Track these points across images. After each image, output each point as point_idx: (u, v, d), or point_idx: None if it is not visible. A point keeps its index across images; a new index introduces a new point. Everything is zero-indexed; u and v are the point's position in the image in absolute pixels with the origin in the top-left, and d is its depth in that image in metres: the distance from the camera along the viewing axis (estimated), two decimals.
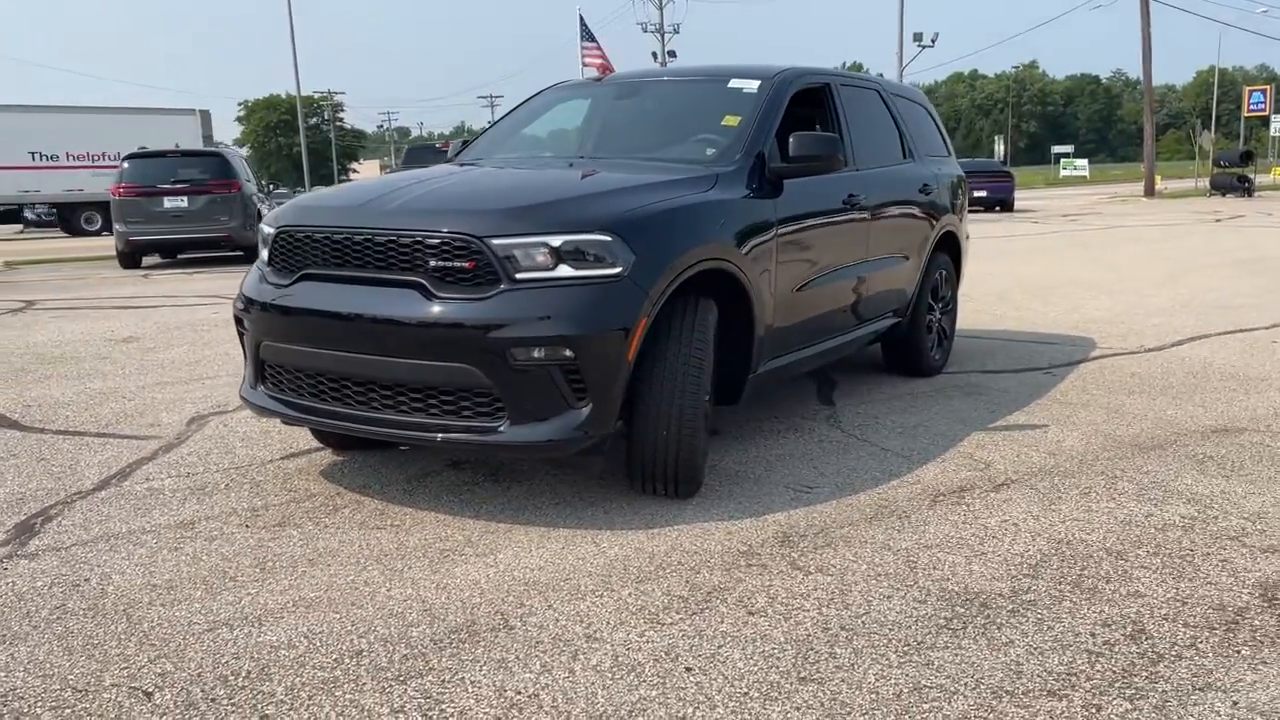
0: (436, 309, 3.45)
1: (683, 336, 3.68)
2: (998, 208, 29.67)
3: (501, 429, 3.47)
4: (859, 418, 5.21)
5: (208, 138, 32.50)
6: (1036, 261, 13.96)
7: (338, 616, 2.90)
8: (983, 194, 28.56)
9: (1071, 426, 4.96)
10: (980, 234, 20.47)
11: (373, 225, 3.64)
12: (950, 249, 6.48)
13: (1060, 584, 3.07)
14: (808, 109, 5.20)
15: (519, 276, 3.44)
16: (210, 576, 3.19)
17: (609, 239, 3.49)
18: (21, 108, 29.31)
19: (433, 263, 3.51)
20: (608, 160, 4.73)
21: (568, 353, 3.40)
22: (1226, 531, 3.50)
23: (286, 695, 2.46)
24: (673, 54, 48.44)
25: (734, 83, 4.86)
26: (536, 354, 3.41)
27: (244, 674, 2.56)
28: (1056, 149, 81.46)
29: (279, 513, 3.80)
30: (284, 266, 3.91)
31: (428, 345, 3.47)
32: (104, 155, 29.52)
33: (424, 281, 3.51)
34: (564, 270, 3.46)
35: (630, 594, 3.02)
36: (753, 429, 4.99)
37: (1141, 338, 7.54)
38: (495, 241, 3.44)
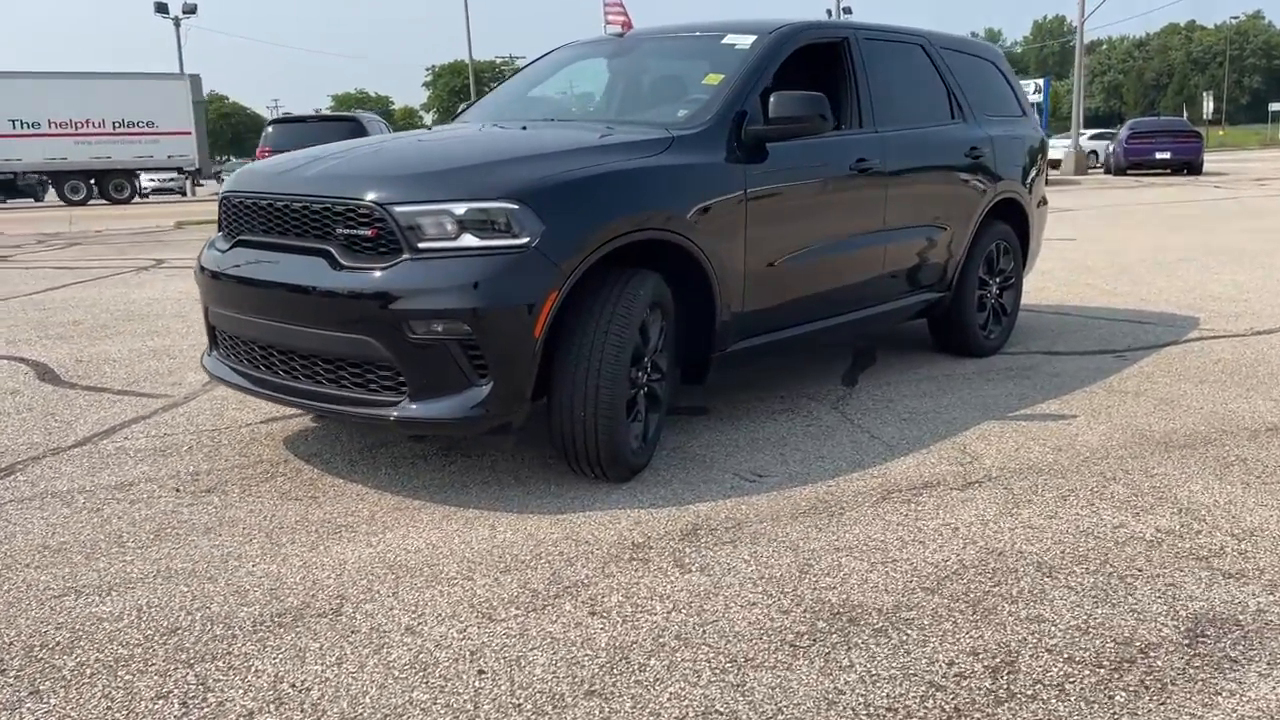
0: (340, 278, 3.36)
1: (603, 313, 3.46)
2: (1185, 170, 27.44)
3: (400, 405, 3.36)
4: (870, 401, 4.84)
5: (198, 102, 32.56)
6: (1188, 230, 12.76)
7: (185, 590, 2.86)
8: (1165, 155, 26.51)
9: (1103, 418, 4.45)
10: (1144, 200, 19.01)
11: (290, 192, 3.58)
12: (1013, 218, 5.92)
13: (957, 601, 2.72)
14: (820, 68, 4.81)
15: (421, 246, 3.30)
16: (103, 540, 3.23)
17: (515, 207, 3.30)
18: (4, 74, 29.54)
19: (339, 230, 3.42)
20: (577, 123, 4.51)
21: (465, 327, 3.25)
22: (1198, 550, 3.03)
23: (72, 671, 2.43)
24: (848, 10, 46.64)
25: (728, 38, 4.54)
26: (435, 327, 3.27)
27: (52, 645, 2.56)
28: (1275, 106, 74.27)
29: (216, 478, 3.82)
30: (226, 232, 3.91)
31: (332, 315, 3.39)
32: (88, 123, 29.94)
33: (332, 250, 3.42)
34: (468, 240, 3.30)
35: (484, 585, 2.86)
36: (746, 409, 4.71)
37: (1256, 319, 6.73)
38: (397, 209, 3.31)
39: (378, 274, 3.30)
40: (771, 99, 4.08)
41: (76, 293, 9.09)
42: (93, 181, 31.10)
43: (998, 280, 5.85)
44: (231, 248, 3.81)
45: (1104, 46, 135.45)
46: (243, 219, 3.78)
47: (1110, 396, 4.83)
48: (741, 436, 4.27)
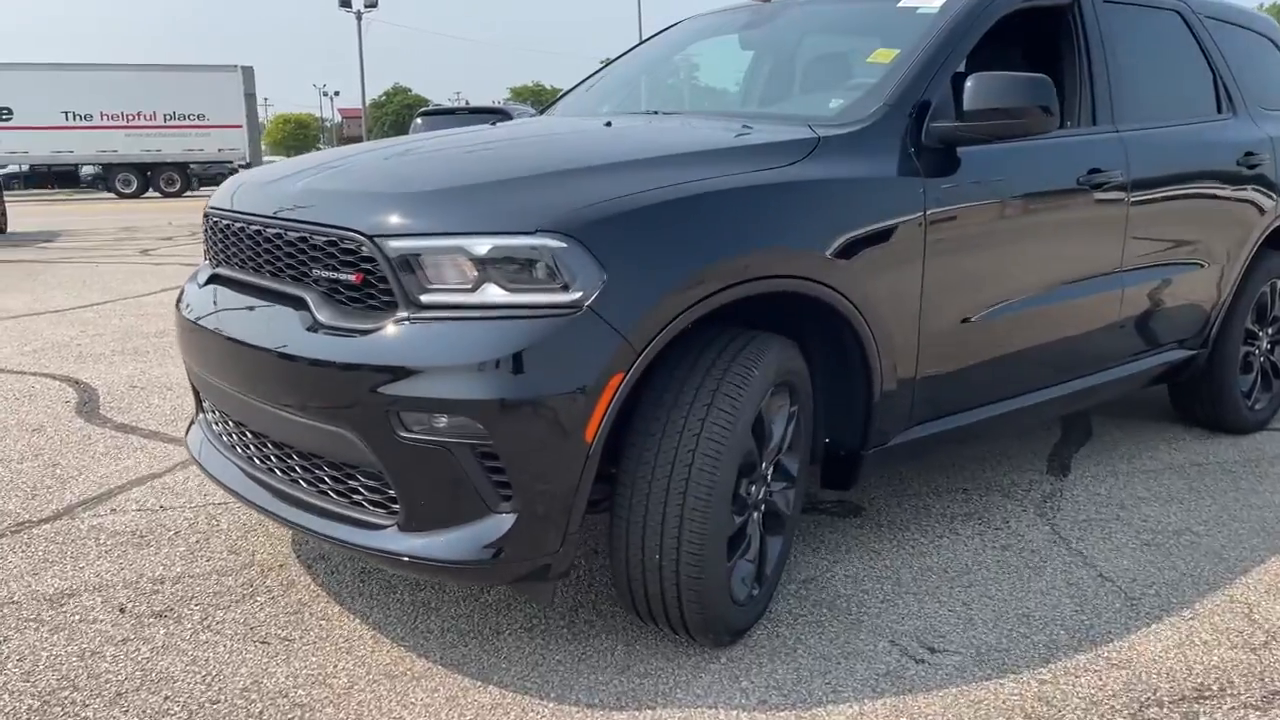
0: (311, 342, 2.30)
1: (696, 403, 2.28)
2: None
3: (387, 531, 2.27)
4: (1091, 505, 3.47)
5: (249, 95, 31.55)
6: None
7: None
8: None
9: None
10: None
11: (265, 214, 2.54)
12: None
13: None
14: (1034, 43, 3.47)
15: (424, 300, 2.19)
16: None
17: (561, 245, 2.15)
18: (55, 66, 29.21)
19: (316, 271, 2.36)
20: (687, 118, 3.31)
21: (479, 427, 2.12)
22: None
23: None
24: None
25: (907, 1, 3.25)
26: (436, 424, 2.16)
27: None
28: None
29: (179, 592, 2.84)
30: (209, 260, 2.92)
31: (301, 394, 2.33)
32: (139, 115, 29.27)
33: (308, 299, 2.36)
34: (491, 293, 2.17)
35: None
36: (915, 510, 3.42)
37: None
38: (392, 244, 2.21)
39: (360, 339, 2.22)
40: (969, 84, 2.79)
41: None
42: (147, 174, 31.11)
43: (1270, 332, 4.33)
44: (206, 283, 2.82)
45: None
46: (219, 246, 2.78)
47: None
48: (906, 564, 3.00)
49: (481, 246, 2.17)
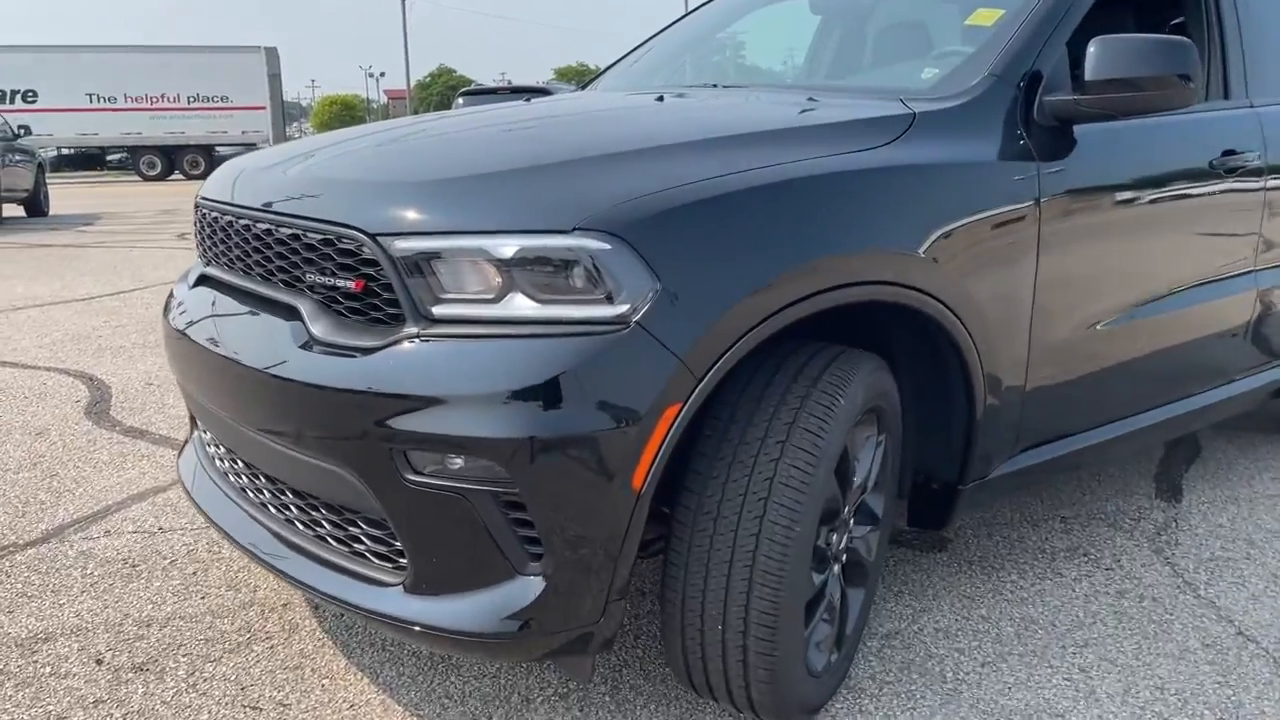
0: (305, 362, 1.90)
1: (765, 438, 1.86)
2: None
3: (392, 591, 1.88)
4: (1212, 537, 3.01)
5: (274, 76, 30.98)
6: None
7: None
8: None
9: None
10: None
11: (254, 206, 2.14)
12: None
13: None
14: (1158, 4, 2.99)
15: (437, 313, 1.79)
16: None
17: (604, 247, 1.73)
18: (78, 48, 28.84)
19: (311, 276, 1.96)
20: (751, 91, 2.87)
21: (502, 471, 1.72)
22: None
23: None
24: None
25: None
26: (451, 466, 1.76)
27: None
28: None
29: (166, 638, 2.48)
30: (201, 257, 2.54)
31: (293, 422, 1.94)
32: (163, 97, 28.72)
33: (301, 310, 1.97)
34: (518, 305, 1.76)
35: None
36: (1009, 543, 2.98)
37: None
38: (397, 243, 1.81)
39: (359, 360, 1.82)
40: (1092, 49, 2.32)
41: None
42: (172, 156, 30.69)
43: None
44: (196, 284, 2.44)
45: None
46: (209, 242, 2.40)
47: None
48: (1006, 614, 2.56)
49: (507, 248, 1.76)
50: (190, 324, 2.30)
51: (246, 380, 2.00)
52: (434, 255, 1.79)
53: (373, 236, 1.82)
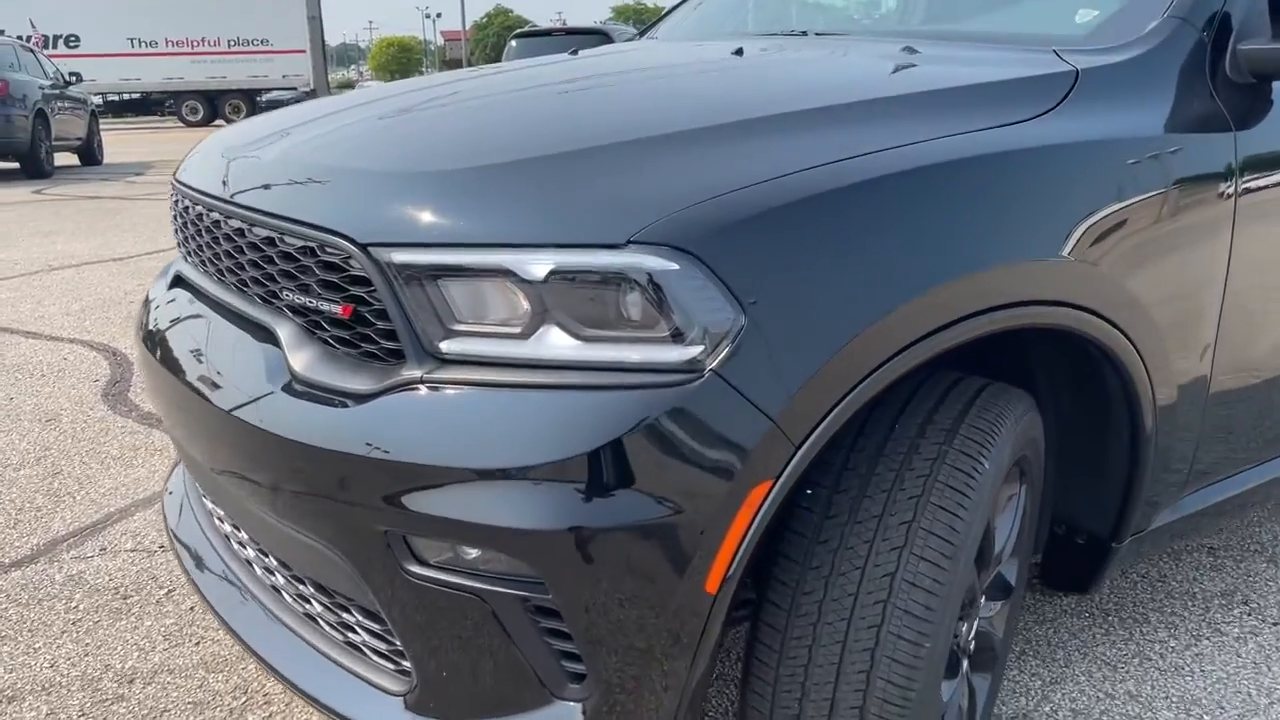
0: (276, 404, 1.47)
1: (885, 515, 1.39)
2: None
3: (391, 705, 1.46)
4: None
5: (313, 19, 30.27)
6: None
7: None
8: None
9: None
10: None
11: (226, 197, 1.70)
12: None
13: None
14: None
15: (448, 349, 1.33)
16: None
17: (670, 266, 1.25)
18: None
19: (290, 295, 1.51)
20: (847, 39, 2.33)
21: (532, 569, 1.28)
22: None
23: None
24: None
25: None
26: (465, 557, 1.33)
27: None
28: None
29: (152, 699, 2.10)
30: (179, 249, 2.10)
31: (266, 483, 1.50)
32: (203, 40, 28.16)
33: (280, 334, 1.53)
34: (553, 343, 1.30)
35: None
36: (1149, 581, 2.49)
37: None
38: (395, 256, 1.35)
39: (348, 410, 1.38)
40: None
41: None
42: (214, 101, 30.34)
43: None
44: (172, 285, 2.01)
45: None
46: (183, 235, 1.96)
47: None
48: (1160, 690, 2.08)
49: (539, 265, 1.29)
50: (156, 337, 1.87)
51: (213, 421, 1.57)
52: (443, 273, 1.33)
53: (363, 247, 1.36)
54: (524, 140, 1.55)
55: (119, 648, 2.29)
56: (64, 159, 15.23)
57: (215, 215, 1.69)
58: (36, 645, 2.31)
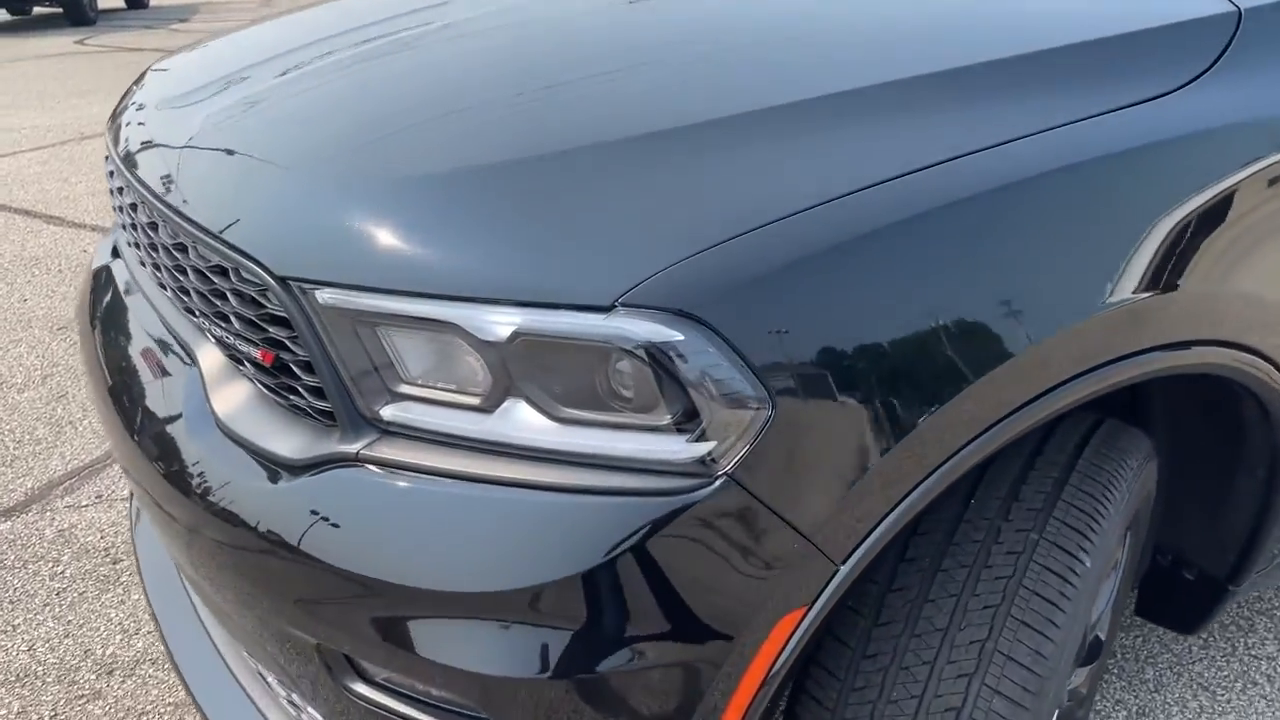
0: (194, 451, 1.18)
1: (950, 628, 1.08)
2: None
3: None
4: None
5: None
6: None
7: None
8: None
9: None
10: None
11: (134, 174, 1.37)
12: None
13: None
14: None
15: (390, 416, 1.03)
16: None
17: (673, 335, 0.91)
18: None
19: (209, 325, 1.21)
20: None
21: (491, 718, 1.00)
22: None
23: None
24: None
25: None
26: (414, 687, 1.05)
27: None
28: None
29: (128, 695, 1.92)
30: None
31: (194, 550, 1.24)
32: None
33: (200, 361, 1.24)
34: (523, 421, 0.98)
35: None
36: (1198, 649, 2.16)
37: None
38: (321, 296, 1.03)
39: (273, 485, 1.09)
40: None
41: None
42: None
43: None
44: (114, 255, 1.71)
45: None
46: (118, 200, 1.65)
47: None
48: None
49: (501, 324, 0.96)
50: (91, 318, 1.58)
51: (133, 451, 1.30)
52: (382, 321, 1.01)
53: (281, 280, 1.05)
54: (487, 130, 1.17)
55: (101, 627, 2.11)
56: (109, 1, 14.81)
57: (131, 199, 1.38)
58: (16, 621, 2.14)
